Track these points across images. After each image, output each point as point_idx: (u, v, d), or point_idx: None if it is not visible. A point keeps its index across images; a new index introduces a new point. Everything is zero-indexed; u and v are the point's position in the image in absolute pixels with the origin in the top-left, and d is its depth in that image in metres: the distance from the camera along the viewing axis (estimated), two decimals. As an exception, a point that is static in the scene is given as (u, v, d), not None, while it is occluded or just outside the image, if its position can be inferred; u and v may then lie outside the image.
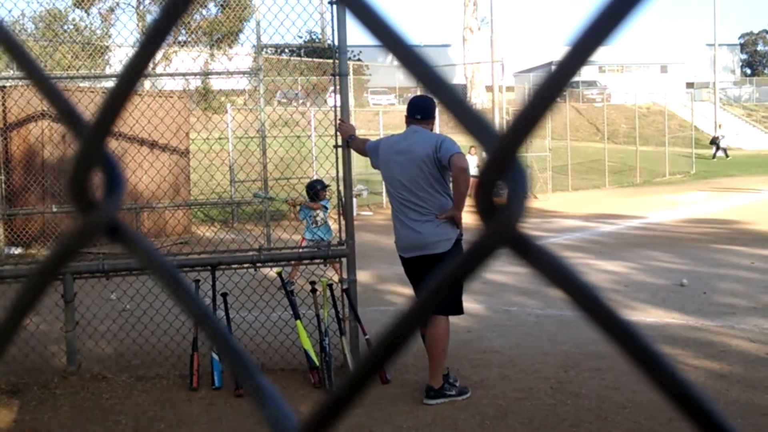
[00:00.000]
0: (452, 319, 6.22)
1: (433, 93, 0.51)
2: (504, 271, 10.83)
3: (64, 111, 0.70)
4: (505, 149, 0.48)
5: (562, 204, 24.42)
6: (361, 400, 0.57)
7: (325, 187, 10.53)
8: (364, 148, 6.57)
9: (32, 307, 0.74)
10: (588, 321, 0.50)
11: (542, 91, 0.47)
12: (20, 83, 12.58)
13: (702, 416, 0.48)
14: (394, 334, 0.53)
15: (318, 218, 10.46)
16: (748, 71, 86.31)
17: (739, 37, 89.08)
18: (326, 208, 10.52)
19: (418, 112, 6.16)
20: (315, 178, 13.42)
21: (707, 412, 0.48)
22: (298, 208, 10.53)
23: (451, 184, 6.04)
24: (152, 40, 0.60)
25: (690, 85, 66.79)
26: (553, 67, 0.48)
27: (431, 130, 6.30)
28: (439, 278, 0.51)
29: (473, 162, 26.73)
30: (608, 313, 0.48)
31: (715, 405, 0.49)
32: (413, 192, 5.91)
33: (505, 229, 0.48)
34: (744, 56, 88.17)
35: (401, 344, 0.54)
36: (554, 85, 0.47)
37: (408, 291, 10.16)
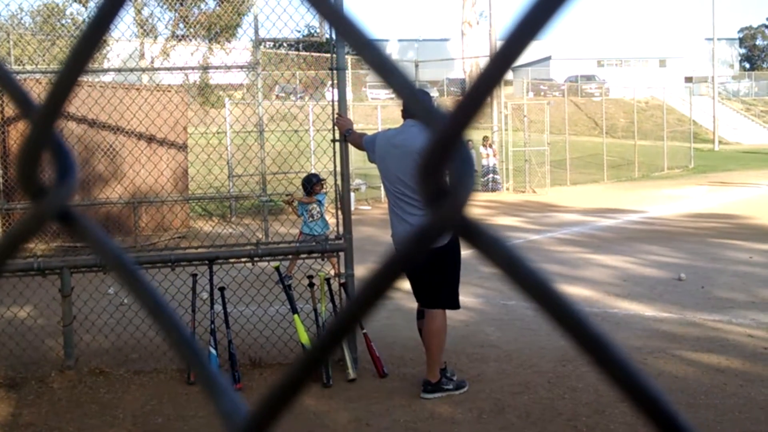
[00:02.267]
0: (450, 313, 6.22)
1: (384, 79, 0.50)
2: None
3: (15, 95, 0.69)
4: (450, 132, 0.47)
5: (560, 198, 24.41)
6: (305, 391, 0.56)
7: (320, 180, 10.52)
8: (362, 142, 6.56)
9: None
10: (537, 309, 0.49)
11: (486, 74, 0.46)
12: (18, 77, 12.55)
13: (651, 406, 0.48)
14: (340, 324, 0.53)
15: (314, 212, 10.46)
16: (747, 65, 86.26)
17: (738, 32, 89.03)
18: (321, 203, 10.52)
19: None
20: (312, 172, 13.42)
21: (657, 402, 0.48)
22: (295, 203, 10.53)
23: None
24: (100, 22, 0.60)
25: (689, 79, 66.78)
26: (496, 49, 0.47)
27: None
28: (381, 265, 0.51)
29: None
30: (558, 301, 0.48)
31: (666, 397, 0.48)
32: (409, 186, 5.90)
33: (451, 214, 0.48)
34: (743, 50, 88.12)
35: (344, 335, 0.53)
36: (498, 67, 0.46)
37: (405, 285, 10.18)
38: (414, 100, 0.50)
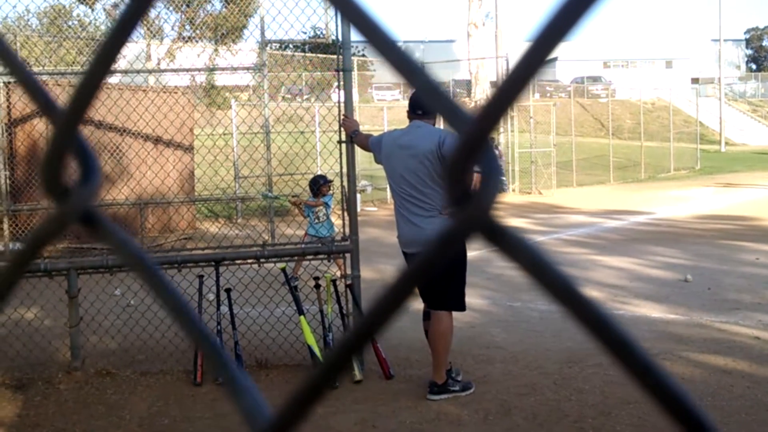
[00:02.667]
0: (456, 315, 6.22)
1: (408, 79, 0.50)
2: (508, 266, 10.81)
3: (38, 98, 0.69)
4: (476, 134, 0.47)
5: (566, 199, 24.39)
6: (328, 392, 0.56)
7: (327, 182, 10.53)
8: (368, 143, 6.56)
9: (5, 299, 0.73)
10: (564, 312, 0.49)
11: (514, 76, 0.46)
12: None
13: (676, 406, 0.48)
14: (368, 323, 0.53)
15: (320, 214, 10.47)
16: (754, 67, 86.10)
17: (745, 33, 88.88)
18: (328, 205, 10.52)
19: (420, 108, 6.12)
20: (318, 173, 13.41)
21: (681, 402, 0.48)
22: (302, 206, 10.55)
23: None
24: (124, 27, 0.60)
25: (695, 80, 66.69)
26: (526, 49, 0.47)
27: (433, 125, 6.29)
28: (412, 267, 0.51)
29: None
30: (584, 303, 0.48)
31: (690, 397, 0.48)
32: (415, 187, 5.89)
33: (478, 216, 0.48)
34: (749, 52, 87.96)
35: (373, 333, 0.53)
36: (527, 68, 0.46)
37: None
38: (438, 100, 0.50)
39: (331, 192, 10.61)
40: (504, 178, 27.41)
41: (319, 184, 10.48)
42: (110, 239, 0.66)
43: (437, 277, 5.86)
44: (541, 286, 0.48)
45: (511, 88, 0.46)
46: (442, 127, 6.05)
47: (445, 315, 6.06)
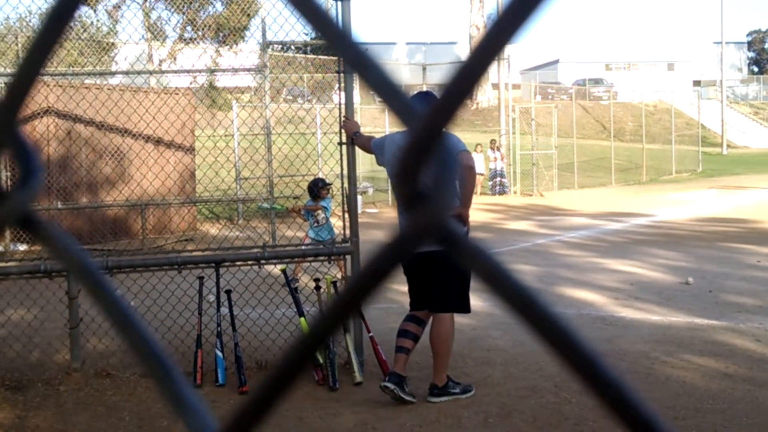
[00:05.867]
0: (457, 317, 6.21)
1: (361, 74, 0.48)
2: (510, 268, 10.79)
3: None
4: (426, 133, 0.44)
5: (567, 202, 24.38)
6: (280, 404, 0.54)
7: (326, 185, 10.51)
8: (369, 145, 6.55)
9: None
10: (521, 322, 0.47)
11: (464, 72, 0.44)
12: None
13: (641, 426, 0.46)
14: (316, 332, 0.51)
15: (319, 218, 10.46)
16: (756, 69, 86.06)
17: (747, 35, 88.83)
18: (327, 208, 10.50)
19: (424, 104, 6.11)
20: (319, 175, 13.41)
21: (649, 423, 0.46)
22: (301, 211, 10.55)
23: (456, 182, 6.02)
24: (55, 20, 0.58)
25: (697, 83, 66.66)
26: (474, 45, 0.45)
27: None
28: (360, 274, 0.49)
29: (479, 159, 26.70)
30: (541, 313, 0.46)
31: (659, 419, 0.46)
32: None
33: (432, 221, 0.45)
34: (751, 54, 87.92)
35: (326, 338, 0.51)
36: (481, 59, 0.44)
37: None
38: (392, 97, 0.48)
39: (330, 195, 10.60)
40: (506, 180, 27.42)
41: (318, 187, 10.48)
42: (51, 243, 0.64)
43: (442, 279, 5.85)
44: (496, 293, 0.46)
45: (461, 85, 0.44)
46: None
47: (447, 317, 6.05)
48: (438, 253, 5.86)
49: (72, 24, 0.58)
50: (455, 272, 5.86)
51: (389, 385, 5.89)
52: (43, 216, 0.65)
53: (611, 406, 0.45)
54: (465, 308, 6.12)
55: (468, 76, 0.44)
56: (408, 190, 0.45)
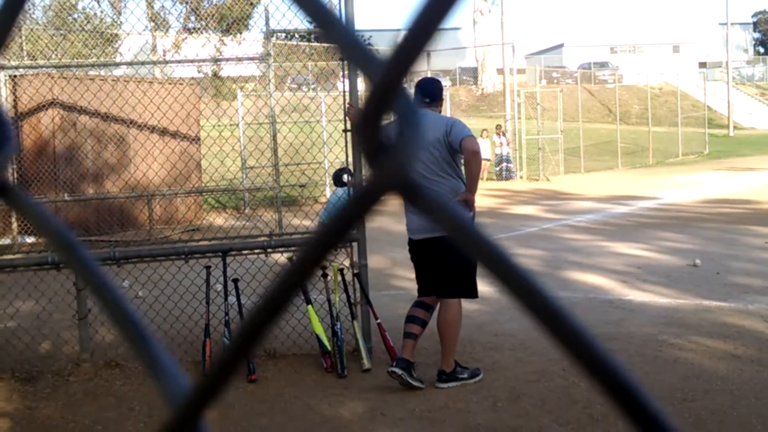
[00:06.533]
0: (464, 303, 6.21)
1: (323, 29, 0.47)
2: (515, 253, 10.80)
3: None
4: (388, 80, 0.43)
5: (574, 186, 24.33)
6: (234, 375, 0.54)
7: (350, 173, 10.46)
8: None
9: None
10: (485, 270, 0.46)
11: (426, 11, 0.43)
12: (30, 72, 12.59)
13: (603, 377, 0.45)
14: (273, 295, 0.50)
15: None
16: (762, 50, 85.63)
17: (753, 16, 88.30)
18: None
19: (427, 96, 6.12)
20: (325, 163, 13.41)
21: (610, 372, 0.45)
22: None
23: (462, 167, 6.03)
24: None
25: (702, 64, 66.40)
26: None
27: (440, 112, 6.27)
28: (321, 230, 0.48)
29: (485, 145, 26.65)
30: (506, 262, 0.45)
31: (623, 369, 0.46)
32: (424, 176, 5.87)
33: (394, 173, 0.44)
34: (757, 35, 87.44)
35: (287, 298, 0.51)
36: (438, 5, 0.43)
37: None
38: (355, 50, 0.47)
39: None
40: (512, 166, 27.38)
41: (343, 175, 10.43)
42: (26, 211, 0.64)
43: (448, 264, 5.85)
44: (463, 245, 0.46)
45: (423, 28, 0.43)
46: (449, 114, 6.10)
47: (455, 302, 6.05)
48: (443, 239, 5.87)
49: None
50: (461, 257, 5.86)
51: (397, 370, 5.91)
52: (49, 208, 0.65)
53: (605, 389, 0.44)
54: (472, 293, 6.12)
55: (426, 21, 0.42)
56: (370, 141, 0.44)
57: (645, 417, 0.44)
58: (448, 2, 0.42)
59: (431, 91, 6.21)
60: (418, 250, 6.15)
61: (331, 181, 10.63)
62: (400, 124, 0.44)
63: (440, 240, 5.87)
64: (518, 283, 0.45)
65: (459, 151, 5.88)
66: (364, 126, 0.44)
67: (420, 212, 0.46)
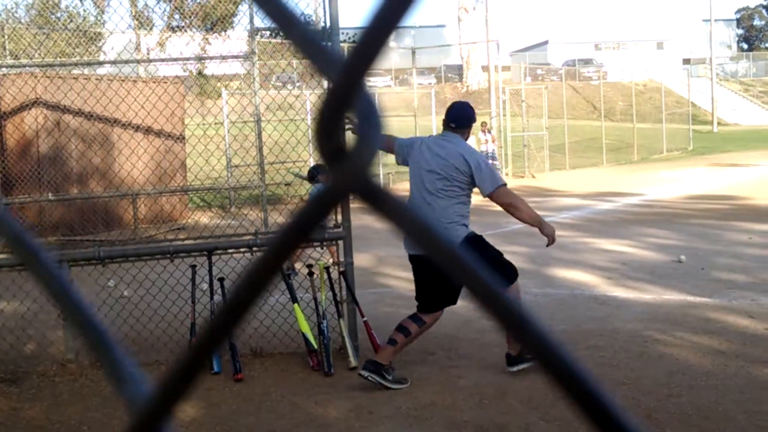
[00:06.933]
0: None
1: (283, 29, 0.47)
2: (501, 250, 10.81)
3: None
4: (347, 80, 0.43)
5: (559, 183, 24.40)
6: (204, 368, 0.54)
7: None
8: (393, 145, 6.32)
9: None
10: (446, 270, 0.46)
11: (382, 11, 0.42)
12: (13, 71, 12.52)
13: (557, 368, 0.45)
14: (243, 290, 0.50)
15: None
16: (745, 46, 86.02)
17: (736, 12, 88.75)
18: None
19: (453, 120, 6.12)
20: (310, 161, 13.40)
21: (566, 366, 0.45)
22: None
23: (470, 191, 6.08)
24: None
25: (686, 61, 66.63)
26: None
27: (465, 138, 6.23)
28: (282, 231, 0.47)
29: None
30: (466, 265, 0.45)
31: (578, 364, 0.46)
32: (433, 194, 5.89)
33: (353, 176, 0.44)
34: (740, 31, 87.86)
35: (249, 303, 0.50)
36: (398, 4, 0.42)
37: (404, 274, 10.19)
38: (314, 50, 0.46)
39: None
40: (497, 163, 27.42)
41: (317, 173, 10.42)
42: None
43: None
44: (424, 248, 0.45)
45: (380, 26, 0.43)
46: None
47: (512, 288, 6.03)
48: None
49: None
50: (488, 252, 5.96)
51: (363, 372, 5.88)
52: (33, 208, 0.65)
53: (535, 351, 0.45)
54: (513, 275, 6.10)
55: (384, 21, 0.42)
56: (328, 144, 0.44)
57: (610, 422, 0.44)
58: (405, 1, 0.42)
59: (457, 116, 6.16)
60: (418, 265, 6.11)
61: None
62: (359, 126, 0.43)
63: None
64: (478, 285, 0.45)
65: (489, 196, 5.99)
66: (323, 127, 0.44)
67: (379, 216, 0.45)
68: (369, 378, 5.84)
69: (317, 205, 0.45)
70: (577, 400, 0.45)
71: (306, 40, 0.45)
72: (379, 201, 0.45)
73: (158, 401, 0.54)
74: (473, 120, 6.30)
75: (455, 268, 0.45)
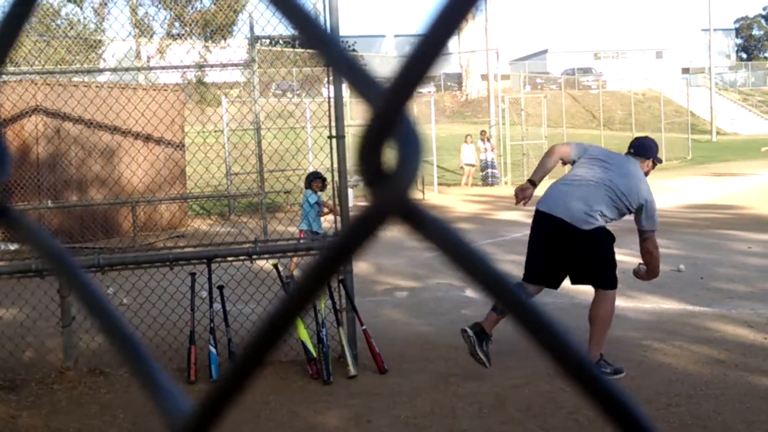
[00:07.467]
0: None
1: (321, 52, 0.47)
2: (500, 259, 10.81)
3: None
4: (389, 106, 0.43)
5: (558, 191, 24.36)
6: (248, 388, 0.54)
7: (317, 177, 10.36)
8: (563, 155, 6.70)
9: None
10: (488, 296, 0.46)
11: (427, 39, 0.43)
12: (13, 79, 12.53)
13: (599, 396, 0.46)
14: (282, 313, 0.50)
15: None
16: (744, 56, 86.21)
17: (735, 22, 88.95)
18: (319, 204, 10.43)
19: (633, 147, 6.57)
20: (310, 169, 13.39)
21: (605, 391, 0.46)
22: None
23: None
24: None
25: (685, 70, 66.79)
26: (435, 14, 0.43)
27: (646, 174, 6.58)
28: (323, 254, 0.47)
29: (470, 150, 26.69)
30: (507, 289, 0.46)
31: (617, 387, 0.46)
32: (594, 187, 6.21)
33: (394, 199, 0.44)
34: (739, 41, 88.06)
35: (287, 325, 0.51)
36: (443, 28, 0.43)
37: (404, 282, 10.16)
38: (351, 70, 0.46)
39: (321, 192, 10.43)
40: (496, 171, 27.44)
41: (309, 180, 10.39)
42: (28, 237, 0.64)
43: (593, 253, 6.21)
44: (462, 271, 0.46)
45: (423, 55, 0.43)
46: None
47: (610, 296, 6.30)
48: (580, 231, 6.12)
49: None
50: (604, 245, 6.28)
51: (469, 330, 6.13)
52: (32, 215, 0.66)
53: (572, 376, 0.45)
54: (612, 283, 6.38)
55: (428, 49, 0.43)
56: (370, 167, 0.44)
57: (631, 423, 0.45)
58: (450, 29, 0.42)
59: (638, 146, 6.62)
60: (550, 230, 6.32)
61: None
62: (401, 150, 0.44)
63: (582, 232, 6.16)
64: (518, 308, 0.45)
65: (639, 229, 6.41)
66: (365, 152, 0.44)
67: (422, 239, 0.46)
68: (471, 340, 6.17)
69: (358, 229, 0.46)
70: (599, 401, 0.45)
71: (348, 65, 0.46)
72: (421, 223, 0.45)
73: (198, 420, 0.54)
74: (651, 153, 6.74)
75: (497, 292, 0.45)
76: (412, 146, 0.44)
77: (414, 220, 0.45)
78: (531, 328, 0.46)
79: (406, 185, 0.44)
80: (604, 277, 6.29)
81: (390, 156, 0.44)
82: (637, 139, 6.78)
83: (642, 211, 6.30)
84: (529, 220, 6.60)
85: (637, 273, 6.76)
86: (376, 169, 0.44)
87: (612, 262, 6.36)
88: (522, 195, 6.62)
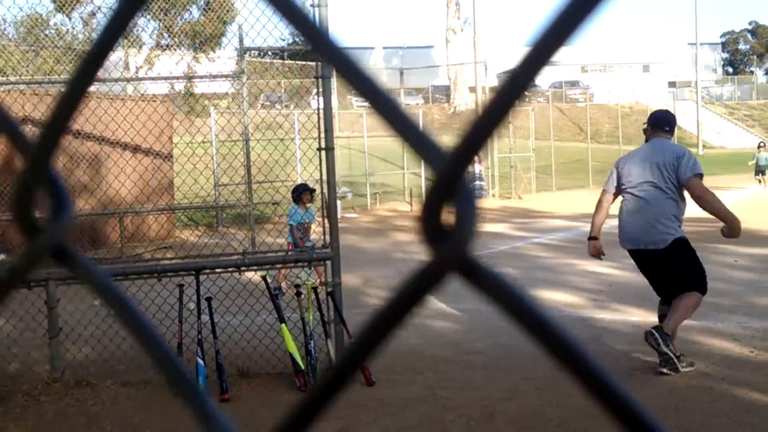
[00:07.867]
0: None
1: (377, 109, 0.48)
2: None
3: (8, 130, 0.69)
4: (451, 170, 0.45)
5: (545, 204, 24.47)
6: (326, 413, 0.56)
7: (307, 190, 10.35)
8: (606, 214, 7.52)
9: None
10: (547, 354, 0.48)
11: (492, 106, 0.44)
12: (1, 89, 12.51)
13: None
14: (339, 373, 0.52)
15: (310, 233, 10.39)
16: (730, 70, 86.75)
17: (721, 36, 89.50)
18: (312, 218, 10.41)
19: (668, 125, 6.92)
20: (299, 181, 13.40)
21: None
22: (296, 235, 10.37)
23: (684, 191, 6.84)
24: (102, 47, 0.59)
25: (672, 84, 67.15)
26: (505, 80, 0.45)
27: (670, 139, 7.00)
28: (385, 309, 0.48)
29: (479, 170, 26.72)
30: (565, 344, 0.47)
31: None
32: (657, 187, 6.74)
33: (455, 255, 0.45)
34: (725, 55, 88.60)
35: (344, 383, 0.52)
36: (507, 98, 0.44)
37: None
38: (408, 131, 0.48)
39: (310, 204, 10.41)
40: (484, 183, 27.50)
41: (298, 192, 10.38)
42: (84, 274, 0.65)
43: (678, 268, 6.65)
44: (521, 327, 0.47)
45: (488, 120, 0.45)
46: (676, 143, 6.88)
47: (695, 295, 6.62)
48: (663, 251, 6.60)
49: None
50: (687, 258, 6.74)
51: (656, 332, 6.39)
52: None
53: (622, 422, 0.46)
54: (703, 287, 6.71)
55: (495, 112, 0.44)
56: (433, 226, 0.46)
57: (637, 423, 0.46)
58: (516, 97, 0.44)
59: (670, 121, 6.99)
60: (646, 261, 6.86)
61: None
62: (459, 208, 0.45)
63: (661, 253, 6.72)
64: (576, 363, 0.47)
65: (683, 185, 6.71)
66: (426, 213, 0.46)
67: (482, 295, 0.47)
68: (653, 340, 6.40)
69: (419, 285, 0.47)
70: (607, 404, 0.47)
71: (406, 125, 0.47)
72: (482, 279, 0.46)
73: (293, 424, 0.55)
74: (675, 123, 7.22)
75: (559, 352, 0.47)
76: (469, 204, 0.46)
77: (475, 276, 0.46)
78: (596, 391, 0.47)
79: (466, 242, 0.45)
80: (696, 282, 6.67)
81: (449, 215, 0.45)
82: (663, 117, 7.06)
83: (682, 163, 6.63)
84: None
85: (723, 232, 7.08)
86: (436, 227, 0.45)
87: (700, 269, 6.78)
88: (596, 252, 7.45)
